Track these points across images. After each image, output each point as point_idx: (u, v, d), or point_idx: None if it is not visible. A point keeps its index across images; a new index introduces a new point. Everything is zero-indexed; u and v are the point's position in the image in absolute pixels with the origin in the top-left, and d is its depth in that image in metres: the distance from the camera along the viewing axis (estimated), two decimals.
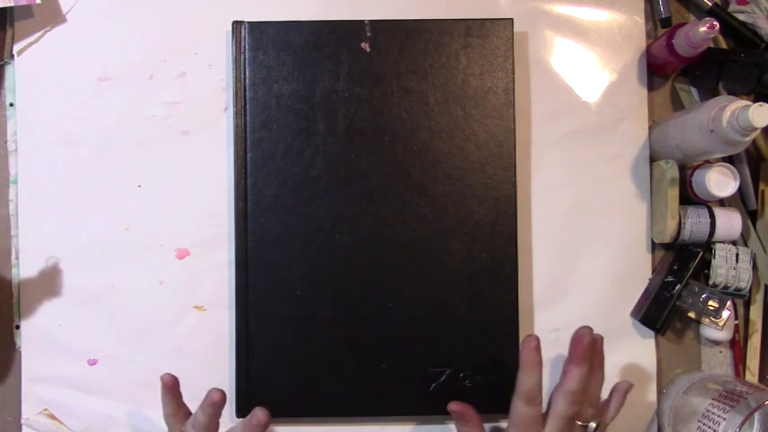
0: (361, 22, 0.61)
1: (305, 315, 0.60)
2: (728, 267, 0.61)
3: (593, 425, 0.54)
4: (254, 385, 0.60)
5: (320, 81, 0.60)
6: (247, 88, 0.60)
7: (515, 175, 0.61)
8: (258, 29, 0.61)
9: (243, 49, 0.61)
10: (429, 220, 0.60)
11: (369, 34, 0.61)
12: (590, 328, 0.53)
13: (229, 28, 0.61)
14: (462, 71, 0.61)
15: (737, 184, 0.60)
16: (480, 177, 0.61)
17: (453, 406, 0.56)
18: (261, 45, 0.61)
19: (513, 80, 0.61)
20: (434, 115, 0.61)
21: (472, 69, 0.61)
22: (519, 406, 0.52)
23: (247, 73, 0.60)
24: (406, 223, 0.60)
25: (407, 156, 0.60)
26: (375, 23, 0.61)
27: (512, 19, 0.61)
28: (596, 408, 0.55)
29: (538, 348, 0.52)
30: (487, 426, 0.61)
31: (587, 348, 0.52)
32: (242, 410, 0.60)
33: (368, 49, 0.61)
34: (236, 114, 0.60)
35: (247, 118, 0.60)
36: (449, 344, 0.60)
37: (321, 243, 0.60)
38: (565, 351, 0.63)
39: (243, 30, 0.61)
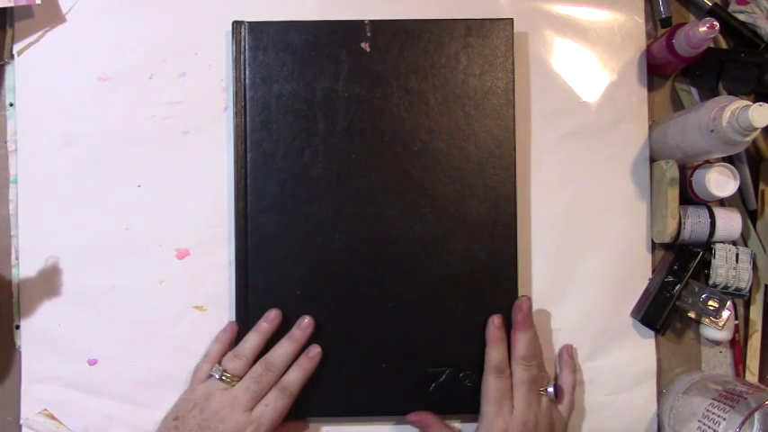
0: (361, 22, 0.61)
1: (304, 315, 0.60)
2: (728, 267, 0.61)
3: (550, 389, 0.59)
4: None
5: (320, 81, 0.60)
6: (247, 88, 0.60)
7: (515, 176, 0.61)
8: (258, 29, 0.61)
9: (243, 49, 0.61)
10: (429, 219, 0.60)
11: (369, 34, 0.61)
12: (529, 297, 0.60)
13: (229, 28, 0.61)
14: (462, 71, 0.61)
15: (737, 184, 0.60)
16: (480, 177, 0.61)
17: (411, 417, 0.60)
18: (261, 45, 0.60)
19: (513, 80, 0.61)
20: (434, 115, 0.61)
21: (472, 69, 0.61)
22: (490, 380, 0.57)
23: (247, 73, 0.60)
24: (406, 223, 0.60)
25: (407, 156, 0.60)
26: (375, 23, 0.61)
27: (512, 19, 0.61)
28: (545, 371, 0.61)
29: (502, 326, 0.59)
30: None
31: (528, 315, 0.59)
32: None
33: (368, 49, 0.61)
34: (236, 114, 0.60)
35: (247, 118, 0.60)
36: (448, 344, 0.60)
37: (321, 243, 0.60)
38: None
39: (243, 29, 0.61)
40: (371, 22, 0.61)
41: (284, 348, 0.58)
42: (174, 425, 0.56)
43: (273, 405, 0.56)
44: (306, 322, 0.59)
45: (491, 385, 0.57)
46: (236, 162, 0.60)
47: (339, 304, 0.60)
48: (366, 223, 0.60)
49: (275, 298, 0.60)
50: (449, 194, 0.60)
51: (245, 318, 0.60)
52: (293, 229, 0.60)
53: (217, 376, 0.57)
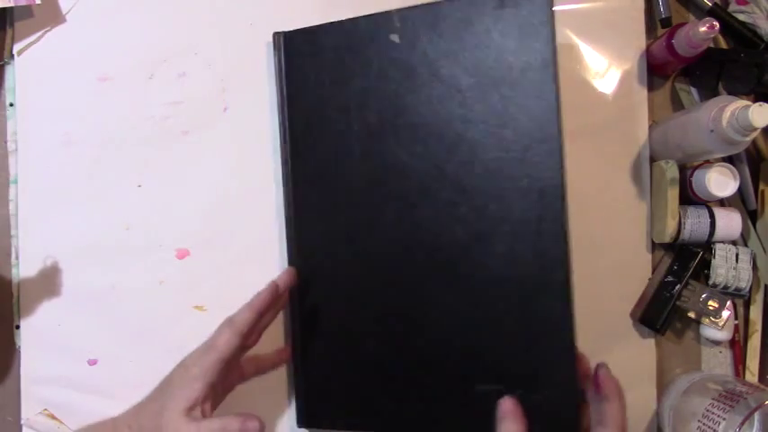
0: (388, 13, 0.58)
1: (346, 327, 0.59)
2: (728, 267, 0.61)
3: None
4: (312, 396, 0.60)
5: (353, 81, 0.58)
6: (287, 98, 0.60)
7: (561, 162, 0.53)
8: (293, 37, 0.60)
9: (280, 59, 0.60)
10: (468, 220, 0.56)
11: (397, 24, 0.57)
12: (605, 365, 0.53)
13: (228, 27, 0.61)
14: (495, 48, 0.55)
15: (737, 184, 0.60)
16: (521, 168, 0.54)
17: (506, 405, 0.51)
18: (297, 53, 0.60)
19: (555, 51, 0.54)
20: (468, 103, 0.55)
21: (506, 44, 0.55)
22: None
23: (285, 83, 0.60)
24: (445, 225, 0.56)
25: (441, 150, 0.56)
26: (402, 12, 0.57)
27: None
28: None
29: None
30: None
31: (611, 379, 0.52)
32: (303, 418, 0.60)
33: (398, 41, 0.58)
34: (281, 124, 0.61)
35: (288, 126, 0.60)
36: (497, 359, 0.55)
37: (358, 250, 0.58)
38: None
39: (281, 40, 0.60)
40: (399, 11, 0.57)
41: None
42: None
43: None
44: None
45: None
46: (284, 173, 0.60)
47: (379, 316, 0.58)
48: (402, 228, 0.57)
49: (319, 309, 0.60)
50: (487, 190, 0.55)
51: (299, 327, 0.60)
52: (334, 237, 0.59)
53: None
